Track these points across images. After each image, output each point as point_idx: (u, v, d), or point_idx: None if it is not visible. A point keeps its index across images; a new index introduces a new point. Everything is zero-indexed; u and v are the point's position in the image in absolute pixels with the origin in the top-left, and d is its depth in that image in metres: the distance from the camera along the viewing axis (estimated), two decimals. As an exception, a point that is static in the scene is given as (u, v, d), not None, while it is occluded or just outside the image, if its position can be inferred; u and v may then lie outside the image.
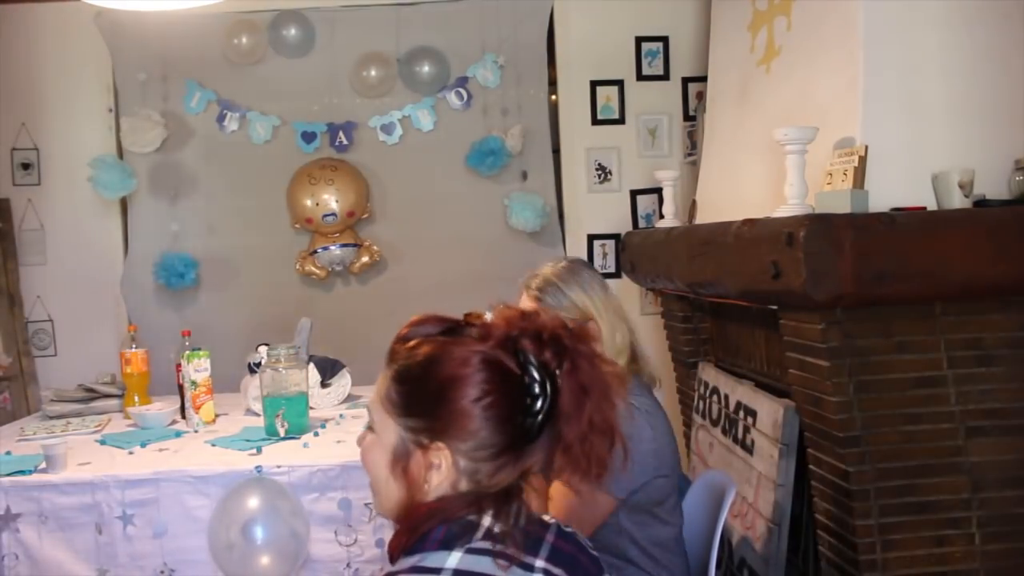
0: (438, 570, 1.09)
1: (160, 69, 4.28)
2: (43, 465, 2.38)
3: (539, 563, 1.15)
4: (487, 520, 1.14)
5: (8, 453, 2.57)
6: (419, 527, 1.14)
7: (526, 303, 2.09)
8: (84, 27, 4.22)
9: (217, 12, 3.76)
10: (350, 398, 3.16)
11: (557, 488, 1.88)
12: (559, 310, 2.01)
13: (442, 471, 1.15)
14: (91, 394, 3.16)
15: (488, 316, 1.22)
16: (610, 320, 2.07)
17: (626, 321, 2.13)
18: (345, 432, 2.67)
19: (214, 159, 4.32)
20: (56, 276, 4.42)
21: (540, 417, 1.13)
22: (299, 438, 2.59)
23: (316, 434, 2.64)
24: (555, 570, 1.16)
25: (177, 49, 4.24)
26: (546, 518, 1.24)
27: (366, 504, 2.35)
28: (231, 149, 4.31)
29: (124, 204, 4.38)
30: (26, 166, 4.40)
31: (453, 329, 1.20)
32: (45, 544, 2.31)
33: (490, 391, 1.13)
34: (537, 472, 1.18)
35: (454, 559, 1.10)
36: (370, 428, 1.24)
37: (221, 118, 4.28)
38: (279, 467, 2.34)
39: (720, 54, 3.58)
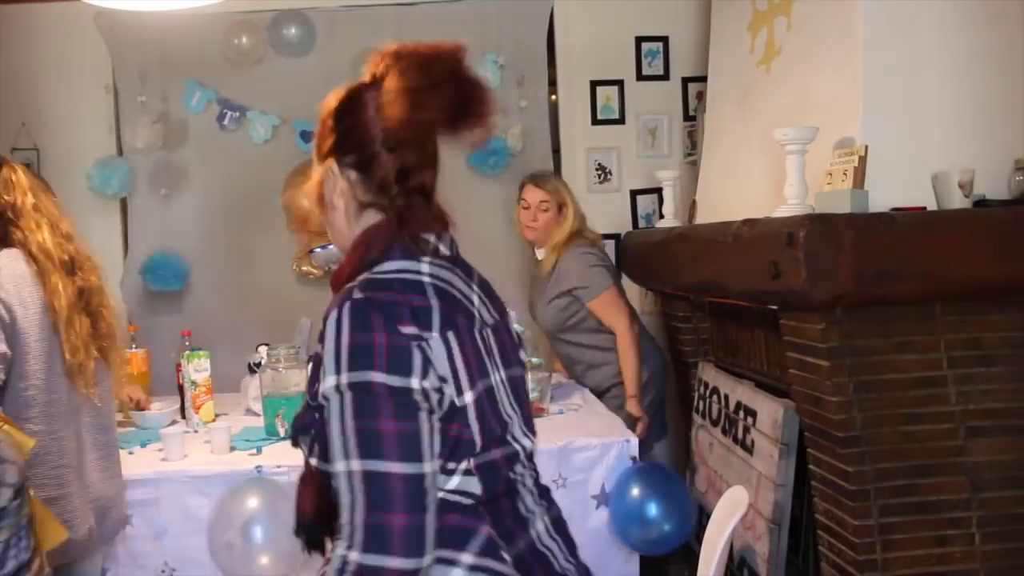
0: (417, 271, 1.27)
1: (160, 69, 4.28)
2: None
3: (474, 286, 1.37)
4: (432, 239, 1.32)
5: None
6: (375, 244, 1.31)
7: (532, 190, 3.44)
8: (84, 27, 4.21)
9: (217, 12, 3.75)
10: (350, 398, 3.17)
11: None
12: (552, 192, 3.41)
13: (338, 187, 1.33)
14: (91, 394, 3.16)
15: None
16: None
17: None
18: (345, 432, 2.68)
19: (214, 158, 4.32)
20: (56, 276, 4.42)
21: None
22: (299, 438, 2.59)
23: (316, 434, 2.64)
24: (484, 295, 1.39)
25: (177, 49, 4.23)
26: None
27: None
28: (231, 148, 4.29)
29: (124, 204, 4.38)
30: (27, 166, 4.38)
31: None
32: (45, 544, 2.31)
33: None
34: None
35: (425, 266, 1.29)
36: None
37: (221, 117, 4.28)
38: (279, 467, 2.35)
39: (720, 54, 3.58)
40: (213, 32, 4.17)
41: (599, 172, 4.39)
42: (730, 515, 2.31)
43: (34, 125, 4.38)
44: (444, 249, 1.32)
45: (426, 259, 1.28)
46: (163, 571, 2.34)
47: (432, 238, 1.31)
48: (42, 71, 4.38)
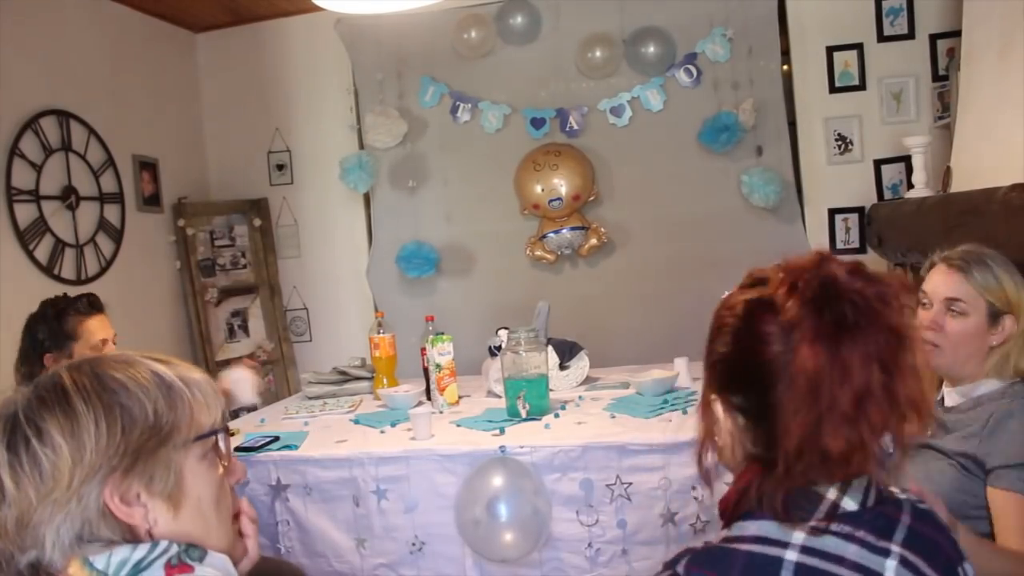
0: (784, 544, 1.00)
1: (395, 67, 4.48)
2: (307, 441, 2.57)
3: (895, 548, 1.01)
4: (832, 493, 1.02)
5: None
6: (752, 489, 1.04)
7: (942, 274, 1.84)
8: (326, 35, 4.50)
9: (447, 8, 3.88)
10: (588, 380, 3.17)
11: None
12: (982, 286, 1.79)
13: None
14: (344, 376, 3.36)
15: None
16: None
17: None
18: (585, 414, 2.67)
19: (448, 150, 4.48)
20: (309, 267, 4.77)
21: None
22: (540, 419, 2.62)
23: (556, 415, 2.66)
24: (912, 557, 1.01)
25: (411, 47, 4.42)
26: (898, 494, 1.09)
27: (607, 485, 2.35)
28: (464, 139, 4.44)
29: (367, 198, 4.63)
30: (280, 167, 4.76)
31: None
32: (310, 513, 2.48)
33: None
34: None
35: (799, 537, 1.00)
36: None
37: (454, 110, 4.42)
38: (522, 447, 2.37)
39: (977, 3, 3.27)
40: (444, 28, 4.32)
41: (839, 142, 4.15)
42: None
43: (286, 129, 4.74)
44: (850, 503, 1.02)
45: (803, 530, 1.00)
46: (413, 543, 2.43)
47: (831, 492, 1.02)
48: (291, 79, 4.73)
